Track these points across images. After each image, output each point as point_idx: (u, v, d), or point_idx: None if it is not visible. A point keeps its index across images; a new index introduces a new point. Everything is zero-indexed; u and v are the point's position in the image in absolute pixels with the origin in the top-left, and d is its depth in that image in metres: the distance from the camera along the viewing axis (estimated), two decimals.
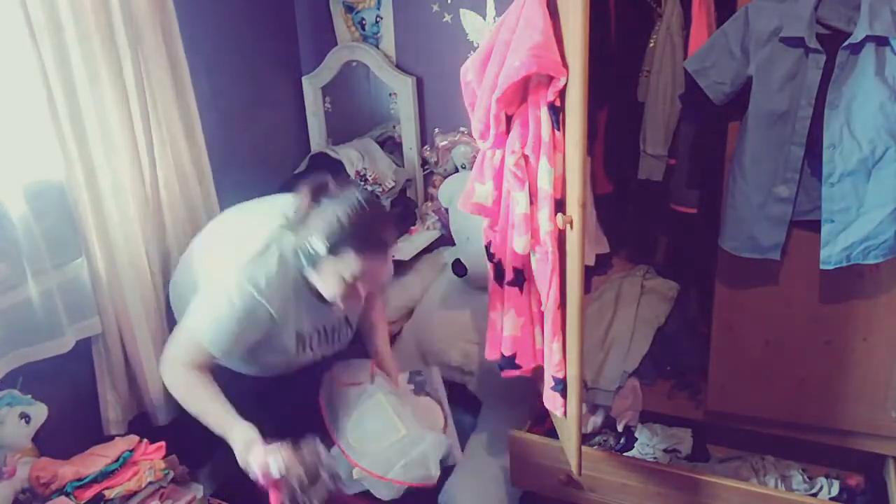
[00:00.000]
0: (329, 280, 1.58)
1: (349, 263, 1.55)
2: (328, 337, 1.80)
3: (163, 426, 2.02)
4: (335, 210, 1.55)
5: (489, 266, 1.78)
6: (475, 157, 2.56)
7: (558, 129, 1.50)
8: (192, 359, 1.56)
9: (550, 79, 1.45)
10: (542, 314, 1.68)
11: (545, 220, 1.52)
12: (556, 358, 1.60)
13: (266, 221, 1.65)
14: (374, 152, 2.60)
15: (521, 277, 1.68)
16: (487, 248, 1.76)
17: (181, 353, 1.58)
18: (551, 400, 1.68)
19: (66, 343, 1.79)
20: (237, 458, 1.53)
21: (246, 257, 1.59)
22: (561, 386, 1.63)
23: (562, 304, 1.55)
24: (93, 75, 1.77)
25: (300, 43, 2.68)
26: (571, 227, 1.45)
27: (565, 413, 1.67)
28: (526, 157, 1.53)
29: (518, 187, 1.54)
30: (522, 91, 1.54)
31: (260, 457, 1.48)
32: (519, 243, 1.56)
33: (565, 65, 1.43)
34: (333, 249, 1.54)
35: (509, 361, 1.72)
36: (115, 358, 1.93)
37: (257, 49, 2.47)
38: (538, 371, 1.77)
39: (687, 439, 1.97)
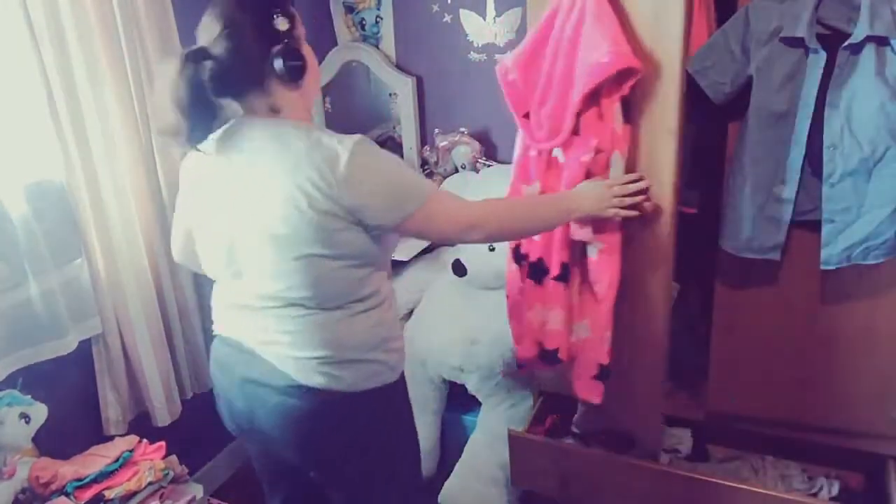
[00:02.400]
0: (312, 71, 1.32)
1: (298, 20, 1.28)
2: None
3: (163, 426, 2.02)
4: None
5: (516, 269, 1.77)
6: (475, 157, 2.57)
7: (627, 122, 1.54)
8: (450, 195, 1.39)
9: (618, 73, 1.48)
10: (580, 307, 1.71)
11: None
12: (607, 346, 1.67)
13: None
14: None
15: (567, 272, 1.67)
16: (517, 249, 1.76)
17: (451, 201, 1.37)
18: (589, 389, 1.74)
19: (68, 343, 1.79)
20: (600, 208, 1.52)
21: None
22: (605, 373, 1.70)
23: (618, 293, 1.63)
24: (93, 75, 1.77)
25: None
26: (657, 212, 1.58)
27: (601, 400, 1.74)
28: (597, 152, 1.55)
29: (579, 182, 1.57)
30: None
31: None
32: (583, 234, 1.59)
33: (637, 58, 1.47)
34: (288, 16, 1.26)
35: (551, 355, 1.73)
36: (115, 358, 1.93)
37: None
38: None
39: (687, 439, 1.97)
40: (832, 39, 1.45)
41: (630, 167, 1.58)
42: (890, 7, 1.39)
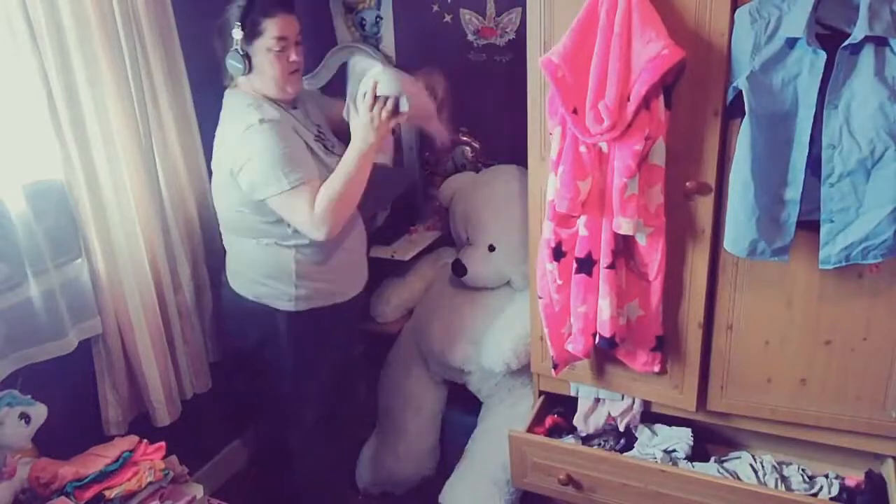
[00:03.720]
0: (264, 65, 1.79)
1: (267, 32, 1.76)
2: (326, 143, 1.96)
3: (163, 426, 2.02)
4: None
5: (553, 267, 1.79)
6: (475, 156, 2.57)
7: (668, 108, 1.61)
8: (309, 195, 1.74)
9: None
10: (627, 289, 1.78)
11: (657, 194, 1.66)
12: (661, 318, 1.78)
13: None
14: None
15: (615, 259, 1.73)
16: (557, 248, 1.77)
17: (303, 203, 1.74)
18: (650, 361, 1.85)
19: (68, 344, 1.79)
20: (367, 139, 1.75)
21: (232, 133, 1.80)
22: (661, 343, 1.81)
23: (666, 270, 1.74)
24: (93, 76, 1.77)
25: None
26: (702, 189, 1.67)
27: (663, 369, 1.87)
28: (646, 139, 1.60)
29: (635, 171, 1.61)
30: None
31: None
32: (628, 225, 1.63)
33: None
34: (248, 29, 1.76)
35: (609, 342, 1.77)
36: (115, 358, 1.94)
37: None
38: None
39: (687, 439, 1.97)
40: (832, 39, 1.45)
41: (676, 148, 1.66)
42: (889, 7, 1.39)
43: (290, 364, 1.96)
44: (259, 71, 1.80)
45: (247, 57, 1.77)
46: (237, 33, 1.74)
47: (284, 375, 1.98)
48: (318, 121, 2.02)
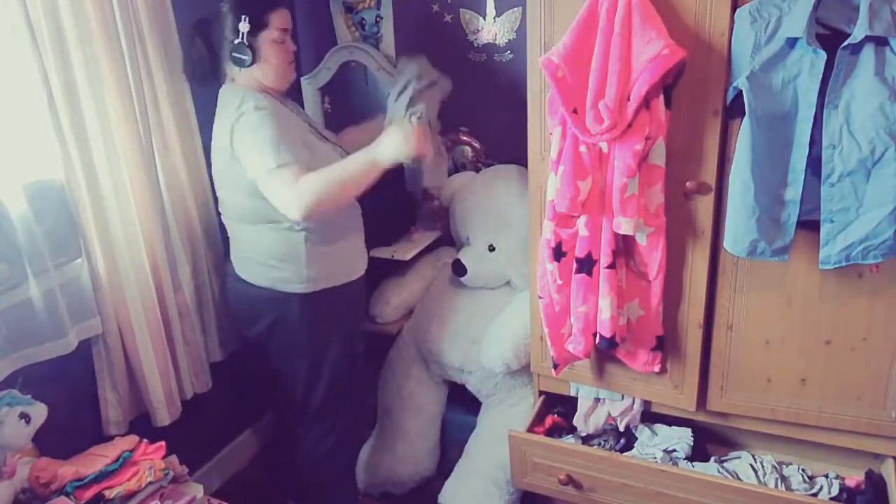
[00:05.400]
0: (269, 56, 1.88)
1: (272, 24, 1.86)
2: (318, 133, 2.02)
3: (163, 426, 2.02)
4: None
5: (554, 267, 1.79)
6: (475, 156, 2.57)
7: (668, 108, 1.61)
8: (293, 176, 1.73)
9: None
10: (627, 289, 1.78)
11: (658, 193, 1.66)
12: (661, 318, 1.79)
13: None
14: None
15: (615, 259, 1.73)
16: (557, 248, 1.77)
17: (285, 182, 1.73)
18: (650, 360, 1.85)
19: (68, 344, 1.79)
20: (399, 153, 1.79)
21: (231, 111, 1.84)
22: (662, 343, 1.82)
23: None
24: (93, 76, 1.77)
25: (300, 43, 2.68)
26: (703, 189, 1.68)
27: (663, 368, 1.88)
28: (646, 139, 1.60)
29: (636, 171, 1.61)
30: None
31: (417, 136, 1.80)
32: (628, 225, 1.64)
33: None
34: (253, 22, 1.83)
35: (610, 342, 1.78)
36: (116, 358, 1.94)
37: None
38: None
39: (687, 439, 1.97)
40: (832, 39, 1.45)
41: (676, 148, 1.66)
42: (889, 7, 1.39)
43: (304, 345, 2.00)
44: (264, 61, 1.88)
45: (251, 49, 1.84)
46: (244, 26, 1.81)
47: (298, 357, 2.02)
48: (311, 118, 2.10)
